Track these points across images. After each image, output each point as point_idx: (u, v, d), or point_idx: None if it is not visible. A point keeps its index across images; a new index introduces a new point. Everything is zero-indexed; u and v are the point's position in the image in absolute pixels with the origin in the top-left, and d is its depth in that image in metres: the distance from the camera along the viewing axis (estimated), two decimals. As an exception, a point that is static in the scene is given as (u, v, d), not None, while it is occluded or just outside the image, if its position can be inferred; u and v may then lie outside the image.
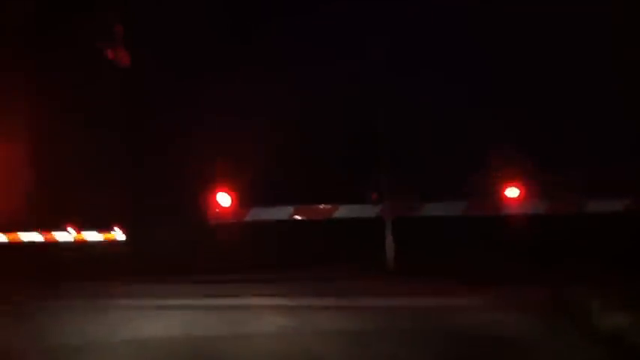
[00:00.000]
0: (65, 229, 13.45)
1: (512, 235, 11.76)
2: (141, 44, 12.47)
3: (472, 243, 11.47)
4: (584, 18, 11.52)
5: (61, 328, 8.31)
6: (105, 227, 13.45)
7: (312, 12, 12.49)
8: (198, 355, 7.15)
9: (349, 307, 9.40)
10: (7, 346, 7.52)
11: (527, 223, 12.01)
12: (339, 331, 7.97)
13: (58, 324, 8.56)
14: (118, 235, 13.59)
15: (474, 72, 12.49)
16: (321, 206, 12.79)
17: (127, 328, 8.32)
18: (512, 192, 12.56)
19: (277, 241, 12.39)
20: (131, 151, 13.33)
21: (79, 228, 13.45)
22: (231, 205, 12.68)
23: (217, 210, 12.73)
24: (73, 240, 13.59)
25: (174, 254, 12.20)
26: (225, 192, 12.63)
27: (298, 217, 12.81)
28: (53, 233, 13.51)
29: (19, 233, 13.46)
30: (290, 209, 12.76)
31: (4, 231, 13.40)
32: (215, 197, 12.64)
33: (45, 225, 13.41)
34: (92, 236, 13.65)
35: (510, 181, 12.58)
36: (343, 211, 12.70)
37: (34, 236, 13.49)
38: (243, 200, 12.69)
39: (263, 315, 8.93)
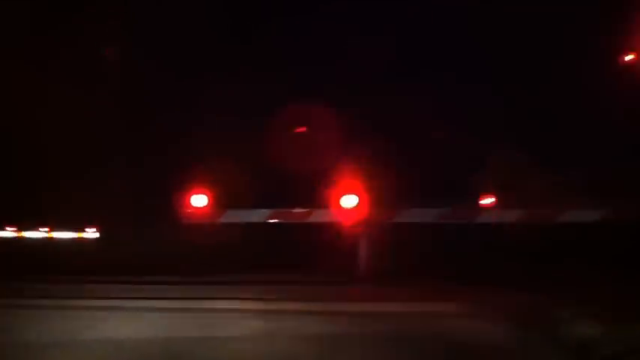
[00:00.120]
0: (37, 228, 13.32)
1: (489, 242, 11.82)
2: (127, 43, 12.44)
3: (448, 250, 11.52)
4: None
5: (26, 327, 8.18)
6: (79, 226, 13.34)
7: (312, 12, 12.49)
8: (169, 356, 7.07)
9: (324, 311, 9.37)
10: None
11: (502, 231, 12.08)
12: (314, 335, 7.94)
13: (23, 322, 8.44)
14: (91, 234, 13.48)
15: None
16: (296, 210, 12.74)
17: (98, 328, 8.23)
18: (486, 200, 12.63)
19: (253, 245, 12.34)
20: (109, 150, 13.24)
21: (53, 226, 13.33)
22: (207, 206, 12.60)
23: (191, 211, 12.62)
24: (45, 237, 13.47)
25: (148, 254, 12.11)
26: (202, 193, 12.54)
27: (273, 221, 12.76)
28: (24, 231, 13.37)
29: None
30: (265, 212, 12.71)
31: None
32: (190, 198, 12.55)
33: (17, 222, 13.28)
34: (64, 234, 13.52)
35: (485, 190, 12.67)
36: (317, 216, 12.66)
37: (4, 233, 13.35)
38: (219, 201, 12.62)
39: (237, 318, 8.88)
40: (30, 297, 10.10)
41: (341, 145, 12.68)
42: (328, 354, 7.23)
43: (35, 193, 12.92)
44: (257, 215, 12.69)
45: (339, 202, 12.37)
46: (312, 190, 12.53)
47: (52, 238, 13.49)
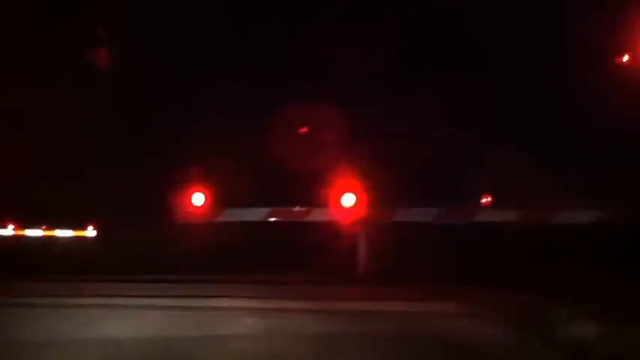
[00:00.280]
0: (37, 226, 13.34)
1: (488, 242, 11.82)
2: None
3: (448, 250, 11.52)
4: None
5: (23, 325, 8.17)
6: (79, 225, 13.36)
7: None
8: (168, 355, 7.06)
9: (322, 310, 9.37)
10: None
11: (501, 231, 12.08)
12: (311, 334, 7.94)
13: (20, 320, 8.43)
14: (89, 232, 13.48)
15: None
16: (295, 209, 12.74)
17: (96, 326, 8.21)
18: (484, 200, 12.65)
19: (251, 243, 12.34)
20: (108, 150, 13.25)
21: (53, 225, 13.34)
22: (205, 205, 12.60)
23: (190, 210, 12.62)
24: (42, 235, 13.47)
25: (146, 253, 12.11)
26: (200, 192, 12.53)
27: (272, 219, 12.76)
28: (24, 229, 13.38)
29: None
30: (264, 211, 12.71)
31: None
32: (189, 197, 12.55)
33: (17, 220, 13.29)
34: (62, 233, 13.52)
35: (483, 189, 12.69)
36: (317, 215, 12.66)
37: (4, 231, 13.35)
38: (218, 200, 12.62)
39: (236, 317, 8.87)
40: (26, 295, 10.09)
41: (340, 145, 12.69)
42: (327, 353, 7.22)
43: (35, 192, 12.92)
44: (256, 214, 12.69)
45: (338, 201, 12.37)
46: (311, 189, 12.53)
47: (50, 236, 13.48)
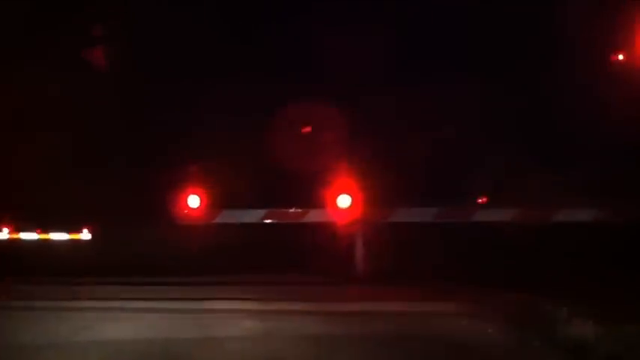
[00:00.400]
0: (32, 229, 13.27)
1: (486, 241, 11.83)
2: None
3: (447, 250, 11.52)
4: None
5: (22, 328, 8.14)
6: (74, 228, 13.29)
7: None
8: (167, 357, 7.05)
9: (319, 311, 9.36)
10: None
11: (499, 230, 12.09)
12: (310, 335, 7.93)
13: (18, 323, 8.40)
14: (84, 235, 13.42)
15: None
16: (292, 210, 12.73)
17: (94, 329, 8.19)
18: (482, 199, 12.67)
19: (248, 245, 12.33)
20: (104, 151, 13.21)
21: (47, 228, 13.27)
22: (201, 206, 12.57)
23: (186, 211, 12.59)
24: (37, 239, 13.41)
25: (142, 255, 12.08)
26: (196, 194, 12.50)
27: (269, 221, 12.74)
28: (20, 232, 13.31)
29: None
30: (261, 212, 12.69)
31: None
32: (185, 198, 12.52)
33: (12, 224, 13.22)
34: (57, 236, 13.46)
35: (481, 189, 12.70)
36: (313, 216, 12.65)
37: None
38: (214, 202, 12.59)
39: (235, 319, 8.86)
40: (24, 298, 10.05)
41: (336, 146, 12.69)
42: (326, 354, 7.22)
43: (29, 195, 12.86)
44: (252, 215, 12.67)
45: (334, 202, 12.37)
46: (308, 190, 12.51)
47: (46, 239, 13.42)
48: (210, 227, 12.58)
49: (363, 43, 12.33)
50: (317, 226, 12.55)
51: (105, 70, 12.70)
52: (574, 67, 11.92)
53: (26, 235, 13.38)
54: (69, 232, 13.41)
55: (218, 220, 12.61)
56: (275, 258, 12.23)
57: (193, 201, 12.58)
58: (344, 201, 12.36)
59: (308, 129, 12.68)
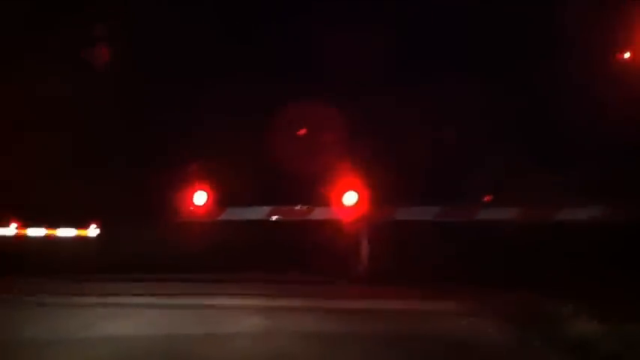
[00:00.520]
0: (38, 225, 13.35)
1: (487, 240, 11.84)
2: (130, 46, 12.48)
3: (449, 248, 11.55)
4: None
5: (31, 324, 8.23)
6: (81, 224, 13.37)
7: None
8: (172, 353, 7.11)
9: (322, 309, 9.42)
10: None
11: (501, 229, 12.10)
12: (313, 332, 7.98)
13: (27, 319, 8.49)
14: (92, 231, 13.50)
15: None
16: (297, 207, 12.77)
17: (101, 325, 8.26)
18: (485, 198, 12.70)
19: (253, 242, 12.37)
20: (110, 149, 13.28)
21: (55, 224, 13.35)
22: (207, 203, 12.63)
23: (192, 209, 12.65)
24: (44, 235, 13.49)
25: (148, 252, 12.15)
26: (202, 191, 12.55)
27: (274, 218, 12.79)
28: (27, 229, 13.40)
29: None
30: (266, 210, 12.73)
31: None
32: (191, 196, 12.58)
33: (20, 220, 13.31)
34: (65, 232, 13.54)
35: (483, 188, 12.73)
36: (318, 213, 12.69)
37: (7, 231, 13.37)
38: (220, 199, 12.65)
39: (237, 315, 8.92)
40: (32, 294, 10.14)
41: (341, 144, 12.72)
42: (329, 351, 7.26)
43: (37, 192, 12.94)
44: (257, 213, 12.71)
45: (339, 199, 12.40)
46: (313, 187, 12.56)
47: (53, 235, 13.51)
48: (215, 224, 12.64)
49: (363, 42, 12.36)
50: (322, 223, 12.58)
51: (108, 69, 12.76)
52: (576, 66, 11.92)
53: (34, 232, 13.47)
54: (76, 228, 13.49)
55: (223, 217, 12.66)
56: (279, 255, 12.28)
57: (199, 198, 12.64)
58: (350, 198, 12.40)
59: (303, 131, 12.70)
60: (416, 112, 12.50)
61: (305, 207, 12.67)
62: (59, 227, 13.58)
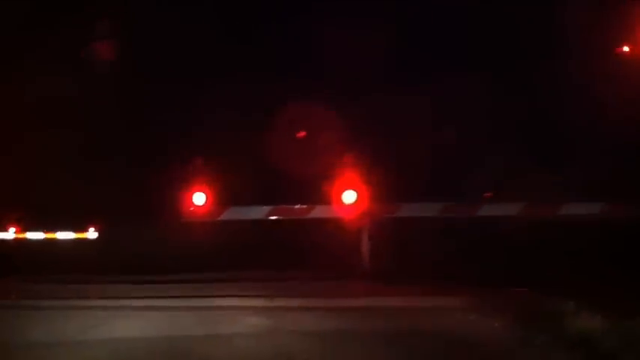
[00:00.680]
0: (37, 229, 13.35)
1: (489, 236, 11.84)
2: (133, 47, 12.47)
3: (451, 245, 11.54)
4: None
5: (31, 327, 8.21)
6: (80, 227, 13.37)
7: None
8: (173, 355, 7.10)
9: (325, 307, 9.40)
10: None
11: (503, 226, 12.09)
12: (315, 331, 7.97)
13: (28, 322, 8.47)
14: (91, 234, 13.49)
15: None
16: (297, 206, 12.75)
17: (101, 328, 8.25)
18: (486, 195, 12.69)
19: (253, 242, 12.36)
20: (109, 151, 13.27)
21: (54, 227, 13.35)
22: (207, 204, 12.60)
23: (192, 209, 12.62)
24: (43, 238, 13.48)
25: (148, 253, 12.14)
26: (202, 191, 12.53)
27: (274, 217, 12.77)
28: (26, 232, 13.39)
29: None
30: (265, 209, 12.71)
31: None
32: (191, 196, 12.56)
33: (19, 223, 13.29)
34: (64, 235, 13.54)
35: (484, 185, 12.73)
36: (318, 212, 12.67)
37: (5, 235, 13.36)
38: (219, 199, 12.63)
39: (238, 315, 8.90)
40: (33, 297, 10.12)
41: (341, 142, 12.72)
42: (331, 350, 7.25)
43: (35, 195, 12.93)
44: (257, 212, 12.69)
45: (339, 198, 12.39)
46: (313, 186, 12.55)
47: (52, 238, 13.50)
48: (215, 224, 12.62)
49: (363, 42, 12.35)
50: (322, 222, 12.57)
51: (109, 70, 12.75)
52: (576, 66, 11.91)
53: (33, 235, 13.46)
54: (75, 231, 13.48)
55: (223, 217, 12.65)
56: (280, 255, 12.26)
57: (199, 198, 12.61)
58: (349, 197, 12.38)
59: (303, 133, 12.69)
60: (416, 112, 12.49)
61: (305, 206, 12.65)
62: (58, 230, 13.56)
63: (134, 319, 8.73)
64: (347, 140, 12.72)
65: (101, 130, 13.13)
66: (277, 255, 12.26)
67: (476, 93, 12.24)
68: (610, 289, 8.55)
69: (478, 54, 12.66)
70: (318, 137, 12.95)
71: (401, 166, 12.32)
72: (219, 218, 12.66)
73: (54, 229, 13.65)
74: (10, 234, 13.55)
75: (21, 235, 13.58)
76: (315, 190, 12.61)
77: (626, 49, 11.56)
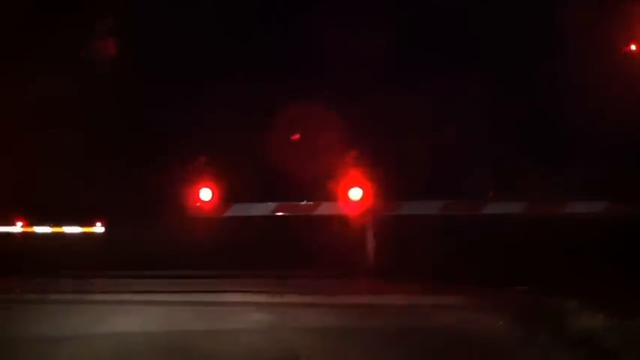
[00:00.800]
0: (44, 223, 13.41)
1: (492, 235, 11.83)
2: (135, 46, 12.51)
3: (454, 243, 11.54)
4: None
5: (39, 321, 8.27)
6: (87, 222, 13.42)
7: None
8: (175, 350, 7.13)
9: (328, 304, 9.44)
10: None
11: (506, 224, 12.08)
12: (317, 327, 8.01)
13: (35, 316, 8.53)
14: (97, 228, 13.54)
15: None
16: (303, 203, 12.77)
17: (105, 322, 8.31)
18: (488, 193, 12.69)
19: (256, 238, 12.39)
20: (116, 147, 13.32)
21: (60, 222, 13.40)
22: (213, 200, 12.63)
23: (198, 205, 12.66)
24: (50, 232, 13.54)
25: (154, 248, 12.18)
26: (208, 187, 12.56)
27: (280, 214, 12.79)
28: (33, 226, 13.45)
29: (-3, 226, 13.38)
30: (271, 205, 12.74)
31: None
32: (196, 192, 12.59)
33: (26, 217, 13.36)
34: (71, 229, 13.59)
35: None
36: (325, 209, 12.69)
37: (12, 228, 13.42)
38: (225, 195, 12.66)
39: (241, 311, 8.95)
40: (40, 292, 10.20)
41: (346, 140, 12.73)
42: (335, 346, 7.28)
43: (42, 189, 12.99)
44: (263, 209, 12.72)
45: (345, 194, 12.40)
46: (319, 183, 12.57)
47: (59, 233, 13.56)
48: (221, 220, 12.65)
49: (364, 42, 12.35)
50: (328, 219, 12.59)
51: (111, 66, 12.79)
52: (576, 65, 11.88)
53: (40, 229, 13.52)
54: (82, 225, 13.53)
55: (229, 213, 12.68)
56: (284, 251, 12.28)
57: (205, 194, 12.64)
58: (355, 194, 12.40)
59: (297, 136, 12.72)
60: (416, 111, 12.49)
61: (310, 202, 12.67)
62: (65, 224, 13.62)
63: (136, 314, 8.79)
64: (349, 139, 12.73)
65: (106, 128, 13.18)
66: (282, 251, 12.27)
67: (476, 93, 12.22)
68: (611, 288, 8.54)
69: (478, 54, 12.63)
70: (319, 137, 12.96)
71: (405, 165, 12.32)
72: (225, 214, 12.69)
73: (61, 224, 13.70)
74: (18, 228, 13.61)
75: (29, 229, 13.64)
76: (320, 188, 12.62)
77: (633, 47, 11.52)
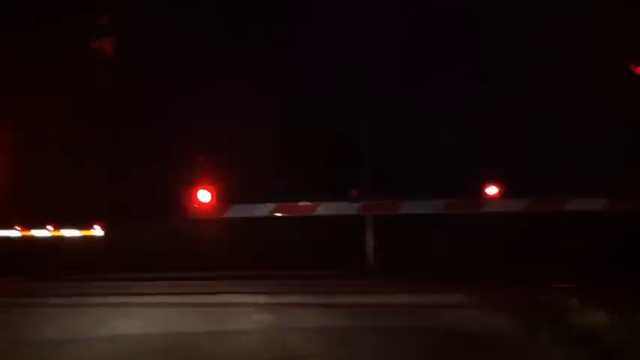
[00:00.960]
0: (44, 227, 13.41)
1: (493, 233, 11.84)
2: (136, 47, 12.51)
3: (455, 241, 11.55)
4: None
5: (40, 324, 8.26)
6: (85, 225, 13.41)
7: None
8: (176, 351, 7.12)
9: (328, 304, 9.42)
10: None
11: (508, 222, 12.09)
12: (318, 327, 7.99)
13: (36, 320, 8.52)
14: (97, 231, 13.54)
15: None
16: (302, 204, 12.78)
17: (106, 325, 8.29)
18: (491, 190, 12.66)
19: (256, 239, 12.40)
20: (114, 148, 13.31)
21: (59, 225, 13.39)
22: (212, 201, 12.64)
23: (197, 206, 12.66)
24: (49, 236, 13.53)
25: (153, 250, 12.18)
26: (207, 189, 12.56)
27: (279, 214, 12.80)
28: (32, 230, 13.45)
29: (-4, 230, 13.38)
30: (270, 206, 12.75)
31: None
32: (195, 193, 12.59)
33: (24, 222, 13.35)
34: (70, 232, 13.59)
35: (490, 179, 12.71)
36: (324, 209, 12.69)
37: (11, 232, 13.42)
38: (224, 197, 12.66)
39: (241, 312, 8.93)
40: (41, 295, 10.19)
41: (345, 139, 12.74)
42: (336, 346, 7.26)
43: (40, 193, 12.98)
44: (262, 210, 12.72)
45: (343, 194, 12.41)
46: (318, 183, 12.57)
47: (58, 236, 13.56)
48: (220, 222, 12.66)
49: (364, 41, 12.37)
50: (327, 219, 12.59)
51: (109, 67, 12.79)
52: (577, 65, 11.90)
53: (39, 233, 13.52)
54: (81, 228, 13.53)
55: (228, 214, 12.68)
56: (284, 252, 12.29)
57: (204, 196, 12.65)
58: (353, 193, 12.41)
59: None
60: (417, 111, 12.50)
61: (309, 203, 12.68)
62: (64, 227, 13.62)
63: (137, 316, 8.77)
64: (349, 138, 12.74)
65: (105, 129, 13.19)
66: (281, 252, 12.28)
67: (476, 92, 12.24)
68: (615, 283, 8.55)
69: (478, 54, 12.64)
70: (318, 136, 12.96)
71: (405, 164, 12.34)
72: (224, 215, 12.70)
73: (60, 227, 13.69)
74: (17, 232, 13.61)
75: (27, 233, 13.63)
76: (319, 188, 12.63)
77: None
